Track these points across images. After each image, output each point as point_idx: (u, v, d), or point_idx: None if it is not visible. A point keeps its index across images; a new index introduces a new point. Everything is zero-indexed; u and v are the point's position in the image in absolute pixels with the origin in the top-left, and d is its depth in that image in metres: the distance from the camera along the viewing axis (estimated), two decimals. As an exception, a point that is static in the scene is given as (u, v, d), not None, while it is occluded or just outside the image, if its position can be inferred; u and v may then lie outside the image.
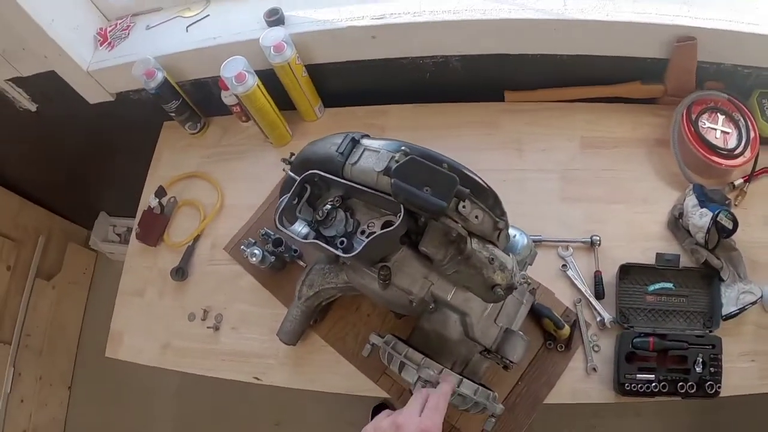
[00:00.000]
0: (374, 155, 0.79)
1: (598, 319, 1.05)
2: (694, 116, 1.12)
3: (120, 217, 2.30)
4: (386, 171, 0.72)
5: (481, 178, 0.77)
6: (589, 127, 1.22)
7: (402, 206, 0.74)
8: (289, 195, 0.84)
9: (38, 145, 1.76)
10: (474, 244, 0.76)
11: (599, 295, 1.06)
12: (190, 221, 1.31)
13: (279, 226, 0.83)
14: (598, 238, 1.10)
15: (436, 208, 0.69)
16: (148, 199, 1.30)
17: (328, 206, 0.85)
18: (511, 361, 0.85)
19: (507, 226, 0.81)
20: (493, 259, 0.77)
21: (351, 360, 1.08)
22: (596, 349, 1.03)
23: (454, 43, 1.19)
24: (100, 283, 2.34)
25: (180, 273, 1.22)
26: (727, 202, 1.08)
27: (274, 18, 1.19)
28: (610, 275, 1.07)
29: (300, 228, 0.87)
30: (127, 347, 1.21)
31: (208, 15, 1.29)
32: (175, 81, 1.30)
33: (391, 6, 1.16)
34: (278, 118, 1.27)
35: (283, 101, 1.28)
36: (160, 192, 1.29)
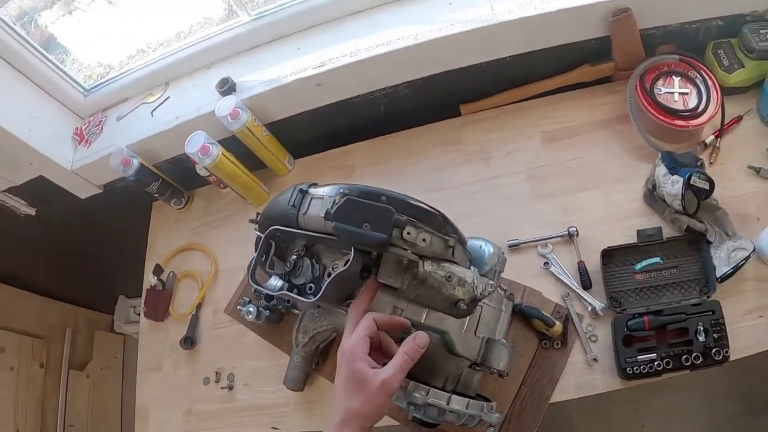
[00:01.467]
0: (319, 202, 0.83)
1: (590, 309, 1.05)
2: (648, 85, 1.12)
3: (137, 297, 2.33)
4: (326, 216, 0.76)
5: (423, 203, 0.80)
6: (548, 122, 1.23)
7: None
8: (257, 253, 0.89)
9: (46, 245, 1.85)
10: (427, 266, 0.78)
11: (586, 285, 1.06)
12: (190, 292, 1.36)
13: (252, 283, 0.87)
14: (574, 228, 1.10)
15: (378, 241, 0.72)
16: (149, 278, 1.37)
17: (294, 256, 0.89)
18: (499, 371, 0.87)
19: (461, 242, 0.83)
20: (450, 276, 0.79)
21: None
22: (593, 339, 1.03)
23: (397, 73, 1.23)
24: (132, 364, 2.36)
25: (189, 342, 1.27)
26: (699, 163, 1.05)
27: (225, 87, 1.25)
28: (594, 263, 1.07)
29: (275, 282, 0.91)
30: (154, 421, 1.27)
31: (168, 97, 1.37)
32: (151, 164, 1.38)
33: (328, 53, 1.22)
34: (251, 180, 1.33)
35: (253, 162, 1.34)
36: (158, 270, 1.35)
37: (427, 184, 1.25)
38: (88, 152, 1.41)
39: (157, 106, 1.38)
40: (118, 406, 2.28)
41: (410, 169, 1.29)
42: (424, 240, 0.77)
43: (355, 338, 0.73)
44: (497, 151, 1.24)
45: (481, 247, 0.93)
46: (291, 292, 0.89)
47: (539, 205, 1.16)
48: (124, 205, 1.55)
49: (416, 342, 0.74)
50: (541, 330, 1.03)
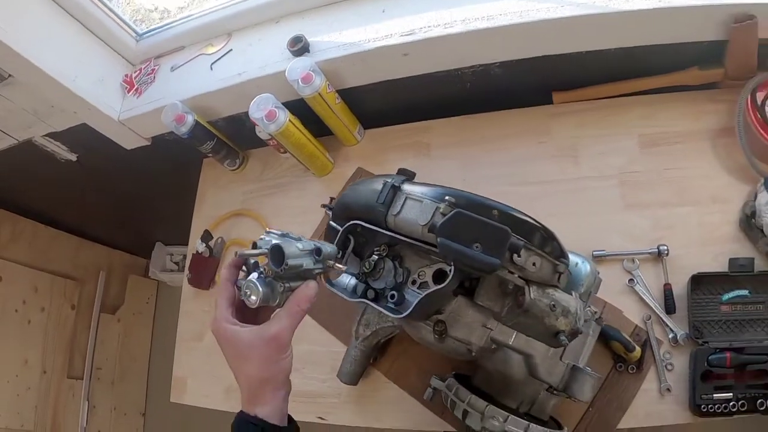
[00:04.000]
0: (417, 205, 0.75)
1: (670, 335, 0.97)
2: (759, 101, 1.00)
3: (175, 245, 2.35)
4: (431, 228, 0.68)
5: (535, 220, 0.72)
6: (647, 123, 1.12)
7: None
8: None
9: (86, 190, 1.81)
10: (533, 293, 0.70)
11: (670, 309, 0.99)
12: (240, 261, 1.30)
13: (326, 284, 0.81)
14: (665, 247, 1.01)
15: (491, 267, 0.65)
16: (195, 243, 1.31)
17: (375, 257, 0.82)
18: (579, 400, 0.81)
19: (568, 266, 0.76)
20: (554, 305, 0.72)
21: (416, 396, 1.04)
22: (669, 368, 0.96)
23: (492, 51, 1.12)
24: (164, 311, 2.40)
25: (235, 314, 1.22)
26: None
27: (298, 47, 1.14)
28: (680, 287, 0.99)
29: (348, 280, 0.84)
30: (192, 392, 1.23)
31: (231, 50, 1.26)
32: (206, 121, 1.29)
33: (420, 20, 1.09)
34: (316, 149, 1.24)
35: (320, 128, 1.25)
36: (206, 236, 1.29)
37: (508, 175, 1.16)
38: (138, 102, 1.33)
39: (218, 59, 1.27)
40: (147, 352, 2.30)
41: (492, 156, 1.19)
42: (534, 264, 0.70)
43: (216, 312, 0.67)
44: (588, 150, 1.14)
45: (577, 265, 0.85)
46: (366, 294, 0.82)
47: (629, 215, 1.07)
48: (172, 158, 1.48)
49: (307, 291, 0.67)
50: (619, 353, 0.97)
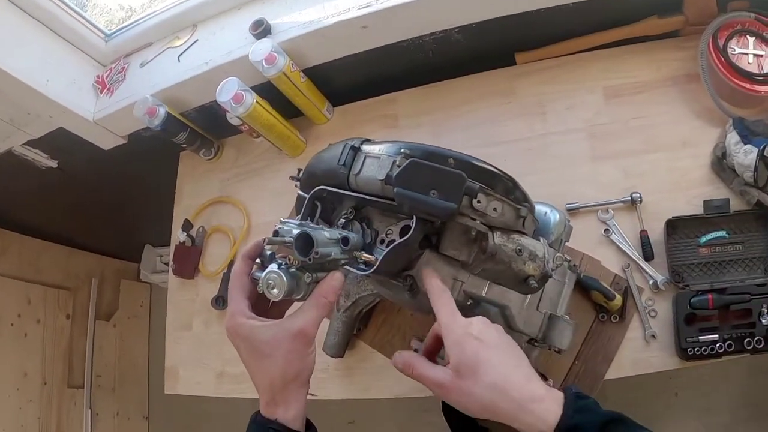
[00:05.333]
0: (376, 162, 0.74)
1: (651, 282, 0.98)
2: (721, 43, 1.01)
3: (164, 246, 2.34)
4: (387, 180, 0.68)
5: (494, 166, 0.72)
6: (610, 75, 1.12)
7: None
8: (300, 215, 0.82)
9: (69, 196, 1.80)
10: (497, 239, 0.70)
11: (648, 256, 0.99)
12: (222, 247, 1.30)
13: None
14: (638, 195, 1.01)
15: (447, 212, 0.65)
16: (177, 234, 1.31)
17: (343, 220, 0.82)
18: (560, 349, 0.81)
19: (532, 211, 0.76)
20: (521, 250, 0.72)
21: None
22: (652, 314, 0.97)
23: (450, 15, 1.12)
24: (158, 313, 2.41)
25: (220, 301, 1.23)
26: None
27: (260, 30, 1.15)
28: (656, 233, 0.99)
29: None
30: (184, 381, 1.24)
31: (196, 40, 1.27)
32: (178, 113, 1.30)
33: (376, -9, 1.10)
34: (287, 130, 1.24)
35: (289, 109, 1.25)
36: (186, 225, 1.29)
37: (478, 137, 1.16)
38: (111, 101, 1.34)
39: (184, 51, 1.28)
40: (146, 355, 2.30)
41: (460, 121, 1.20)
42: (495, 209, 0.69)
43: (230, 307, 0.62)
44: (555, 105, 1.14)
45: (546, 214, 0.85)
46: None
47: (600, 166, 1.07)
48: (150, 155, 1.48)
49: (333, 282, 0.62)
50: (600, 302, 0.97)
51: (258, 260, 0.67)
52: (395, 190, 0.66)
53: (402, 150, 0.70)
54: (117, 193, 1.83)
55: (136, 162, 1.56)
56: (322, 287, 0.62)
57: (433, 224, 0.74)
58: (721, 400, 1.68)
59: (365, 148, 0.79)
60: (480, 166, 0.71)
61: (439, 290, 0.67)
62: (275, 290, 0.57)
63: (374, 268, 0.71)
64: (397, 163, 0.70)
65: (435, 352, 0.71)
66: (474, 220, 0.69)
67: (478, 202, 0.68)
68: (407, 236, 0.70)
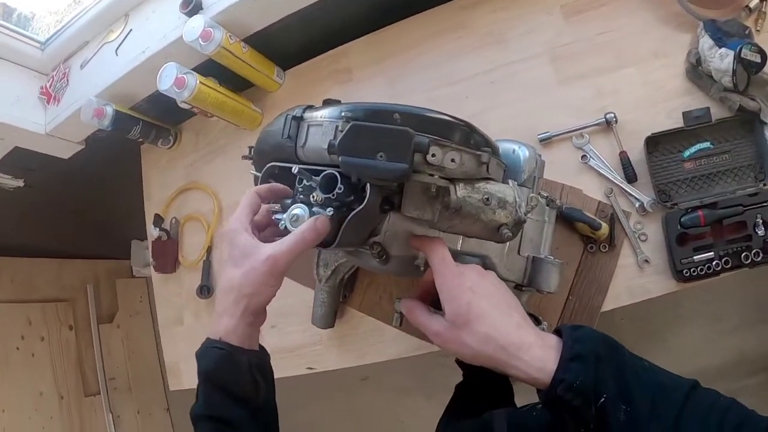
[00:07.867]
0: (319, 130, 0.69)
1: (637, 205, 0.94)
2: (687, -56, 0.93)
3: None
4: (330, 149, 0.63)
5: (443, 114, 0.67)
6: (568, -8, 1.04)
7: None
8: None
9: (46, 210, 1.78)
10: (460, 191, 0.66)
11: (631, 178, 0.94)
12: (198, 236, 1.28)
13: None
14: (613, 115, 0.96)
15: (398, 174, 0.60)
16: (150, 230, 1.28)
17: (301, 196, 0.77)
18: (548, 292, 0.78)
19: (496, 153, 0.71)
20: (488, 198, 0.67)
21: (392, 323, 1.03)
22: (642, 238, 0.93)
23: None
24: (159, 306, 2.38)
25: (205, 290, 1.21)
26: (746, 32, 0.90)
27: (191, 7, 1.08)
28: (637, 152, 0.95)
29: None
30: (187, 375, 1.23)
31: (131, 30, 1.21)
32: (128, 107, 1.25)
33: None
34: (239, 104, 1.19)
35: (238, 82, 1.19)
36: (158, 220, 1.27)
37: (436, 78, 1.10)
38: (59, 110, 1.29)
39: (121, 43, 1.22)
40: (154, 348, 2.31)
41: (415, 64, 1.13)
42: (452, 160, 0.64)
43: (236, 213, 0.65)
44: (511, 32, 1.07)
45: (514, 151, 0.80)
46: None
47: (568, 89, 1.01)
48: (112, 154, 1.43)
49: (316, 223, 0.62)
50: (586, 233, 0.93)
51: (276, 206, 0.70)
52: (339, 159, 0.61)
53: (342, 114, 0.65)
54: (90, 196, 1.79)
55: (100, 164, 1.51)
56: (302, 226, 0.62)
57: (390, 186, 0.69)
58: (730, 305, 1.66)
59: (307, 115, 0.73)
60: (429, 116, 0.66)
61: (429, 243, 0.68)
62: (299, 223, 0.63)
63: (336, 243, 0.67)
64: (340, 128, 0.65)
65: (427, 300, 0.70)
66: (432, 175, 0.64)
67: (433, 155, 0.62)
68: (363, 205, 0.65)
